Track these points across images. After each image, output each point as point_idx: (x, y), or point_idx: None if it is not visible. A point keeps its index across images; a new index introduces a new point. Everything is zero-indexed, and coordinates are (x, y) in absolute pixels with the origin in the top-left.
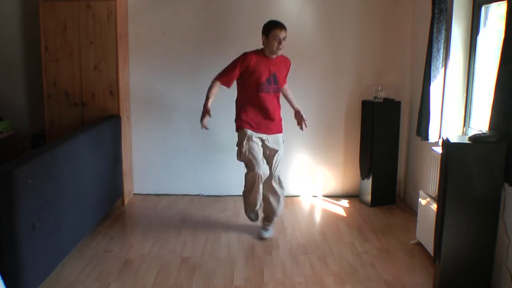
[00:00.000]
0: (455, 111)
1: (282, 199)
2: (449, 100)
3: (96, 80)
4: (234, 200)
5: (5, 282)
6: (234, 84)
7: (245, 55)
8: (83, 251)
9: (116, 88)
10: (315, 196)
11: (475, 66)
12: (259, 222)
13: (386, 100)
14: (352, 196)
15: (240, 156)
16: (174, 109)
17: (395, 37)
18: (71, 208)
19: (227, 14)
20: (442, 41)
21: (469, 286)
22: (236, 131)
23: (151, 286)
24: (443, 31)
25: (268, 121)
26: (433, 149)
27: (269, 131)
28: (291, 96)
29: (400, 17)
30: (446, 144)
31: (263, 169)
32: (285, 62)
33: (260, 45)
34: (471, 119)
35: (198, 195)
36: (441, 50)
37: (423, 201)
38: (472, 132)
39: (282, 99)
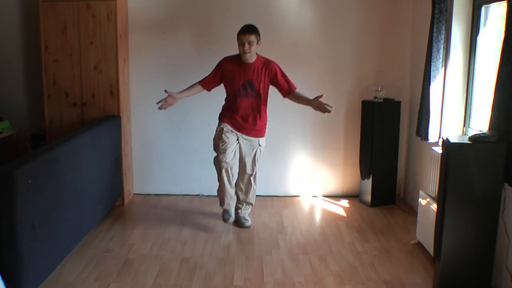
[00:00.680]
0: (455, 111)
1: (251, 192)
2: (449, 100)
3: (96, 80)
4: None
5: (5, 282)
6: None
7: (221, 61)
8: (83, 251)
9: (116, 88)
10: (315, 196)
11: (475, 66)
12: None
13: (386, 100)
14: (352, 196)
15: (213, 144)
16: (174, 109)
17: (395, 37)
18: (71, 208)
19: (227, 14)
20: (442, 41)
21: (469, 286)
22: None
23: (151, 286)
24: (443, 31)
25: (245, 124)
26: (433, 149)
27: (245, 132)
28: (302, 96)
29: (400, 17)
30: (446, 144)
31: (227, 158)
32: (267, 66)
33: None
34: (471, 119)
35: (198, 195)
36: (441, 50)
37: (423, 201)
38: (472, 132)
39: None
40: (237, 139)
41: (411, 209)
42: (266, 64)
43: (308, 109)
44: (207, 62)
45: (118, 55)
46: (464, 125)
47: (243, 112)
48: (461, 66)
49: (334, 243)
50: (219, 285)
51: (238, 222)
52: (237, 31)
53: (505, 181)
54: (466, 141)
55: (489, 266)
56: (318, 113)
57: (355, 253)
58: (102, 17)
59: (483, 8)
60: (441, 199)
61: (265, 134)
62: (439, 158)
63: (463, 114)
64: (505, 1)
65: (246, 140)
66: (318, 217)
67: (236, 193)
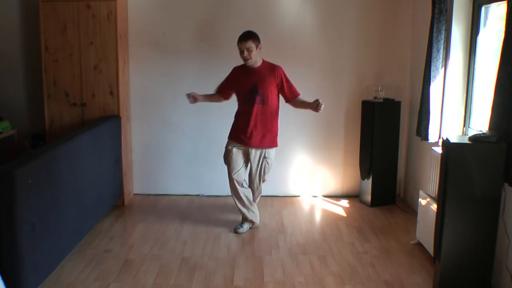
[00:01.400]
0: (455, 111)
1: (258, 192)
2: (449, 100)
3: (96, 80)
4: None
5: (5, 282)
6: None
7: (232, 69)
8: (83, 251)
9: (116, 88)
10: (315, 196)
11: (475, 66)
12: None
13: (386, 100)
14: (352, 196)
15: (223, 158)
16: (174, 109)
17: (395, 37)
18: (71, 208)
19: (227, 14)
20: (442, 41)
21: (469, 286)
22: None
23: (151, 286)
24: (443, 31)
25: (252, 136)
26: (433, 149)
27: (251, 145)
28: (304, 101)
29: (400, 17)
30: (446, 144)
31: (238, 175)
32: (273, 71)
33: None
34: (471, 119)
35: (198, 195)
36: (441, 50)
37: (423, 201)
38: (472, 132)
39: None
40: (245, 153)
41: (411, 209)
42: (272, 69)
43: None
44: (207, 62)
45: (118, 55)
46: (464, 125)
47: (252, 122)
48: (461, 66)
49: (334, 243)
50: (219, 285)
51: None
52: (237, 31)
53: (505, 181)
54: (466, 141)
55: (489, 266)
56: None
57: (355, 253)
58: (102, 17)
59: (483, 8)
60: (441, 199)
61: (277, 145)
62: (439, 158)
63: (463, 114)
64: (505, 1)
65: (253, 152)
66: (318, 217)
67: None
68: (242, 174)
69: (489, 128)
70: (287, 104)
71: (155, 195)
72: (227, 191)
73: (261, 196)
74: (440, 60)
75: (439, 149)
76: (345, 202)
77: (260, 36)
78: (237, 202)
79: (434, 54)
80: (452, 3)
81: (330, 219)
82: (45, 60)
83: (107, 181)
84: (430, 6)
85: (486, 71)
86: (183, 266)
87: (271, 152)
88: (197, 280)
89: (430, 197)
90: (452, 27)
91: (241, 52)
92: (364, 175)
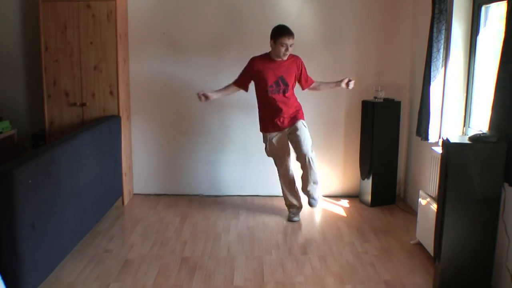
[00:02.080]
0: (455, 111)
1: (311, 174)
2: (449, 100)
3: (96, 80)
4: (234, 200)
5: (5, 282)
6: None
7: (251, 61)
8: (83, 251)
9: (116, 88)
10: None
11: (475, 66)
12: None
13: (386, 100)
14: (352, 196)
15: (266, 153)
16: (174, 109)
17: (395, 37)
18: (71, 208)
19: (227, 14)
20: (442, 41)
21: (469, 286)
22: (260, 131)
23: (151, 286)
24: (443, 31)
25: (282, 118)
26: (433, 149)
27: (285, 126)
28: (323, 84)
29: (400, 17)
30: (446, 144)
31: (286, 163)
32: (295, 61)
33: (260, 46)
34: (471, 119)
35: (198, 195)
36: (441, 50)
37: (423, 201)
38: (472, 132)
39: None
40: (283, 136)
41: (411, 209)
42: (295, 60)
43: (308, 109)
44: (208, 61)
45: (118, 55)
46: (464, 125)
47: (279, 108)
48: (461, 66)
49: (334, 243)
50: (219, 285)
51: (308, 202)
52: (238, 30)
53: (505, 181)
54: (466, 141)
55: (489, 266)
56: (318, 113)
57: (355, 253)
58: (102, 17)
59: (483, 8)
60: (441, 199)
61: (304, 118)
62: (439, 158)
63: (463, 114)
64: (505, 1)
65: (291, 129)
66: (318, 217)
67: (301, 177)
68: (289, 162)
69: (489, 128)
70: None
71: (155, 195)
72: (227, 191)
73: (261, 196)
74: (440, 60)
75: (439, 149)
76: (345, 202)
77: (260, 36)
78: (288, 193)
79: (434, 54)
80: (452, 3)
81: (330, 219)
82: (45, 60)
83: (107, 181)
84: (430, 6)
85: (486, 71)
86: (183, 266)
87: (304, 122)
88: (197, 280)
89: (430, 197)
90: (452, 27)
91: (284, 46)
92: (364, 175)
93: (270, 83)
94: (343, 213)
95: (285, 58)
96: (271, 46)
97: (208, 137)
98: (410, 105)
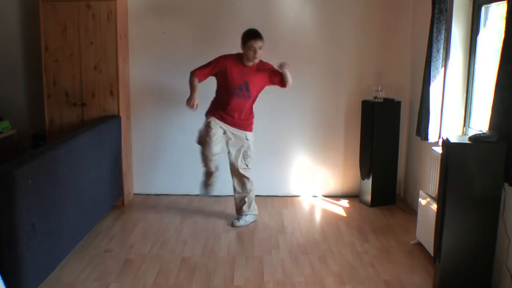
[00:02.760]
0: (455, 111)
1: (248, 186)
2: (449, 100)
3: (96, 80)
4: (234, 200)
5: (5, 282)
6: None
7: (223, 57)
8: (83, 251)
9: (116, 88)
10: (315, 196)
11: (475, 66)
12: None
13: (386, 100)
14: (352, 196)
15: (199, 138)
16: (174, 109)
17: (395, 37)
18: (71, 208)
19: (227, 14)
20: (442, 41)
21: (469, 286)
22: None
23: (151, 286)
24: (443, 31)
25: (233, 118)
26: (433, 149)
27: (233, 125)
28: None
29: (400, 17)
30: (446, 144)
31: (214, 150)
32: (261, 69)
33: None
34: (471, 119)
35: (198, 195)
36: (441, 50)
37: (423, 201)
38: (472, 132)
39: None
40: (224, 132)
41: (411, 209)
42: (259, 65)
43: (308, 109)
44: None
45: (118, 55)
46: (464, 125)
47: (233, 110)
48: (461, 66)
49: (334, 243)
50: (219, 285)
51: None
52: (238, 30)
53: (505, 181)
54: (466, 141)
55: (489, 266)
56: (318, 113)
57: (355, 253)
58: (102, 17)
59: (483, 8)
60: (441, 199)
61: (252, 130)
62: (439, 158)
63: (463, 114)
64: (505, 1)
65: (233, 134)
66: (318, 217)
67: (234, 193)
68: (218, 151)
69: (489, 128)
70: (287, 104)
71: (155, 195)
72: (227, 191)
73: (261, 196)
74: (440, 60)
75: (439, 149)
76: (345, 202)
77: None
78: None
79: (434, 54)
80: (452, 3)
81: (330, 219)
82: (45, 60)
83: (107, 181)
84: (430, 6)
85: (486, 71)
86: (183, 266)
87: (251, 136)
88: (197, 280)
89: (430, 197)
90: (452, 27)
91: (252, 50)
92: (364, 175)
93: (235, 86)
94: (343, 213)
95: (256, 61)
96: (242, 50)
97: None
98: (410, 105)
